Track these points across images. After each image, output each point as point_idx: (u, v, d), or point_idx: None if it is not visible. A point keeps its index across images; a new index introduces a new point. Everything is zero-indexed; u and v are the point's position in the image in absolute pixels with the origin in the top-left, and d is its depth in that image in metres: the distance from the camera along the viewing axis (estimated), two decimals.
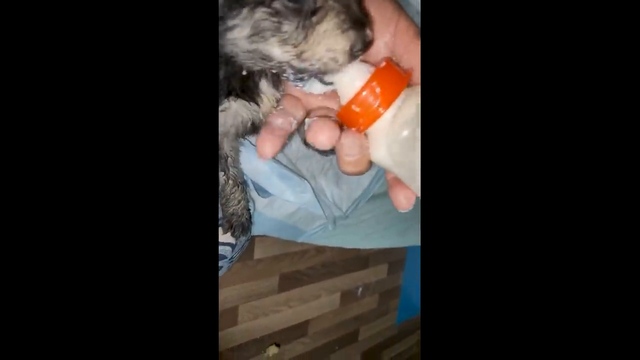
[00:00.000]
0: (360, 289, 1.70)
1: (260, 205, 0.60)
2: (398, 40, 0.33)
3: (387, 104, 0.31)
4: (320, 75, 0.32)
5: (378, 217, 0.78)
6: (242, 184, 0.50)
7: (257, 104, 0.37)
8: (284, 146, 0.36)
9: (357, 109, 0.32)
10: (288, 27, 0.29)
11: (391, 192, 0.34)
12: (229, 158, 0.45)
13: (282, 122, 0.35)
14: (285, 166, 0.57)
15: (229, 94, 0.35)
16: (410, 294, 1.91)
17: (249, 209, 0.52)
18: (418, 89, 0.32)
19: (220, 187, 0.46)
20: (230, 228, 0.51)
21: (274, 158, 0.55)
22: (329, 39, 0.29)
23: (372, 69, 0.32)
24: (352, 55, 0.30)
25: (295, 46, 0.29)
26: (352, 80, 0.32)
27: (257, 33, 0.29)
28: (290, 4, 0.28)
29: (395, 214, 0.79)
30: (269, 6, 0.28)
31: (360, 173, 0.34)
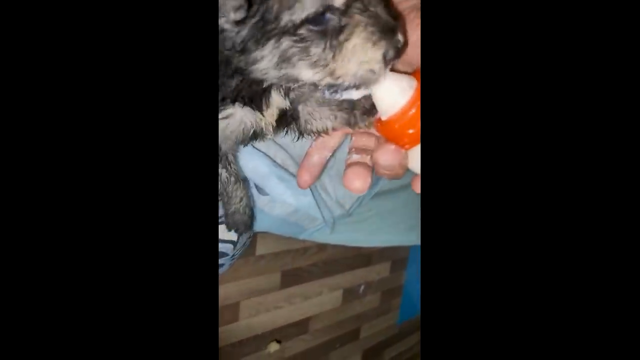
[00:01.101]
0: (363, 287, 1.69)
1: (262, 202, 0.60)
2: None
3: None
4: (356, 86, 0.31)
5: (382, 215, 0.77)
6: (243, 180, 0.49)
7: (262, 114, 0.37)
8: (320, 175, 0.43)
9: (401, 128, 0.31)
10: (315, 49, 0.28)
11: (414, 181, 0.35)
12: (229, 155, 0.45)
13: (317, 158, 0.42)
14: (284, 169, 0.57)
15: (235, 101, 0.35)
16: (412, 293, 1.90)
17: (251, 207, 0.52)
18: None
19: (222, 184, 0.46)
20: (233, 225, 0.51)
21: (274, 161, 0.55)
22: (360, 53, 0.29)
23: (413, 83, 0.31)
24: (387, 63, 0.30)
25: (325, 66, 0.29)
26: (392, 95, 0.31)
27: (284, 60, 0.29)
28: (315, 28, 0.28)
29: (400, 212, 0.78)
30: (294, 34, 0.28)
31: (397, 178, 0.36)
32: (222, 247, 0.52)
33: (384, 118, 0.33)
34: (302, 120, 0.40)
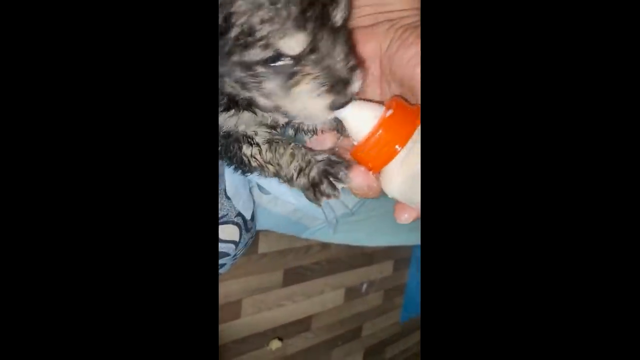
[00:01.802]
0: (365, 286, 1.69)
1: (264, 201, 0.59)
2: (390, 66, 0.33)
3: (388, 156, 0.32)
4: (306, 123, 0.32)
5: (385, 215, 0.76)
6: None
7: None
8: None
9: (366, 155, 0.33)
10: (268, 84, 0.30)
11: (396, 206, 0.36)
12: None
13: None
14: None
15: (229, 108, 0.36)
16: (414, 291, 1.90)
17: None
18: None
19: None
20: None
21: None
22: (304, 100, 0.30)
23: (379, 113, 0.32)
24: (332, 110, 0.31)
25: (274, 101, 0.31)
26: (356, 124, 0.32)
27: (243, 85, 0.30)
28: (268, 69, 0.29)
29: None
30: (248, 69, 0.29)
31: (369, 197, 0.36)
32: (224, 247, 0.52)
33: (354, 142, 0.34)
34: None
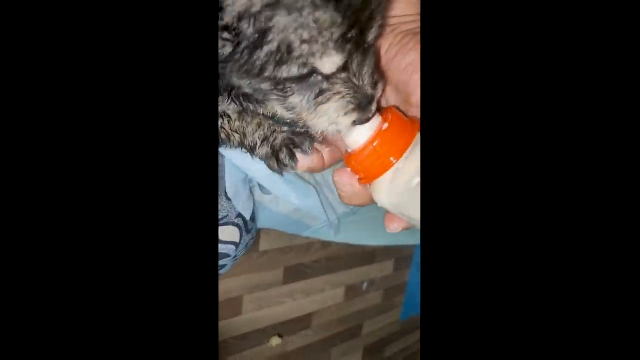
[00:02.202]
0: (366, 284, 1.69)
1: (266, 200, 0.59)
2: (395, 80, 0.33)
3: (382, 168, 0.32)
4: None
5: None
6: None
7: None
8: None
9: (358, 165, 0.33)
10: (293, 99, 0.29)
11: (387, 215, 0.36)
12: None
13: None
14: None
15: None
16: (415, 291, 1.90)
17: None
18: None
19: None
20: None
21: None
22: (332, 116, 0.30)
23: (374, 125, 0.32)
24: (354, 126, 0.31)
25: (298, 114, 0.30)
26: (352, 134, 0.32)
27: (265, 96, 0.30)
28: (298, 85, 0.28)
29: None
30: (276, 85, 0.28)
31: (359, 206, 0.36)
32: (224, 248, 0.52)
33: (348, 150, 0.34)
34: None
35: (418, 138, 0.32)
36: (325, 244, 1.43)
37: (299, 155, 0.35)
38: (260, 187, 0.57)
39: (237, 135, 0.37)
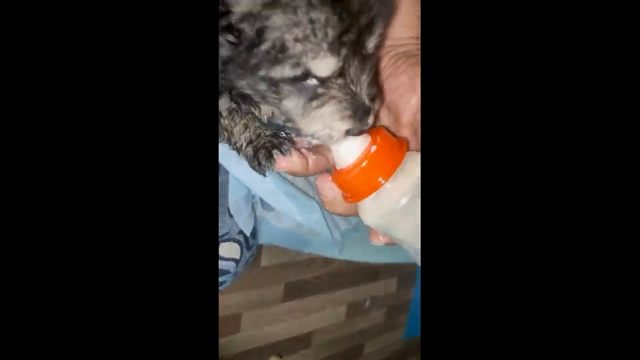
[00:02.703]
0: (368, 302, 1.66)
1: (268, 215, 0.59)
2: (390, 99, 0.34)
3: (370, 189, 0.31)
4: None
5: None
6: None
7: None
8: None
9: (344, 184, 0.32)
10: (287, 103, 0.29)
11: (372, 230, 0.36)
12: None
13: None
14: (292, 184, 0.56)
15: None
16: (419, 310, 1.86)
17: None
18: (415, 155, 0.32)
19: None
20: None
21: (281, 176, 0.54)
22: (326, 120, 0.30)
23: (362, 147, 0.32)
24: (347, 135, 0.30)
25: (290, 117, 0.30)
26: (340, 153, 0.32)
27: (263, 98, 0.30)
28: (292, 87, 0.28)
29: None
30: (271, 85, 0.28)
31: (342, 215, 0.37)
32: (224, 264, 0.51)
33: (336, 166, 0.34)
34: None
35: (406, 159, 0.32)
36: (328, 260, 1.41)
37: (278, 155, 0.35)
38: (263, 203, 0.57)
39: (225, 134, 0.38)
